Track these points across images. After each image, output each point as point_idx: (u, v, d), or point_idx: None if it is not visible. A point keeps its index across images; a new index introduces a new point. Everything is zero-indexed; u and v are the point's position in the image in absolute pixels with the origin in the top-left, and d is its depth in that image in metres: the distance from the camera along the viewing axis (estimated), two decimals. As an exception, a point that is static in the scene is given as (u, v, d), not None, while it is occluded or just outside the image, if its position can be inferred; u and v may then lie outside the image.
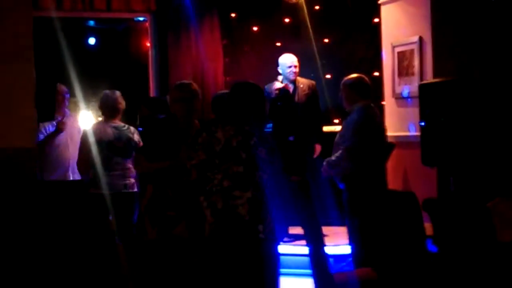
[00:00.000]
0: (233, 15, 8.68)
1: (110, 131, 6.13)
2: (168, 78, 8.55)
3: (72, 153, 6.54)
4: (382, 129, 6.14)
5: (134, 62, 9.97)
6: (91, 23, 10.20)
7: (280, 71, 7.42)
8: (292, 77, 7.33)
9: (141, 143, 5.99)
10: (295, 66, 7.34)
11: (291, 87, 7.31)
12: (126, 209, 6.12)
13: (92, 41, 10.39)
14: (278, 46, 8.62)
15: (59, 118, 6.63)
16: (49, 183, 6.11)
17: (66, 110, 6.81)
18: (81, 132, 6.60)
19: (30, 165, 5.93)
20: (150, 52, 8.76)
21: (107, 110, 6.24)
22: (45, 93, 6.30)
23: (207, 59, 8.46)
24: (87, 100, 8.63)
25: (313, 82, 7.50)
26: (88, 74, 8.99)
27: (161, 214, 5.04)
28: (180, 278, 4.59)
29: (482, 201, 3.99)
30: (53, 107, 6.37)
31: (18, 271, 5.09)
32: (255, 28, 8.70)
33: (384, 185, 6.03)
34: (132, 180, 6.17)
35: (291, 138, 7.17)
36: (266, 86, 7.25)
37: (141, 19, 9.01)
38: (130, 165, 6.12)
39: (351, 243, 6.10)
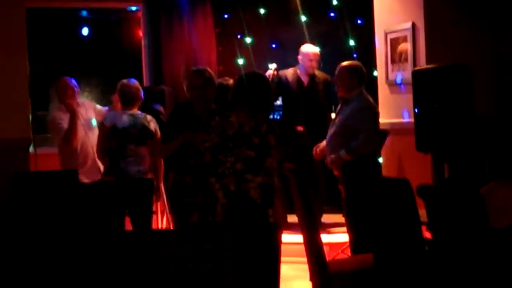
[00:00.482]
0: (226, 3, 8.65)
1: (125, 118, 6.13)
2: (161, 68, 8.55)
3: (93, 142, 6.54)
4: (378, 115, 6.20)
5: (127, 52, 9.95)
6: (84, 13, 10.17)
7: (300, 61, 7.52)
8: (310, 71, 7.42)
9: (158, 133, 6.02)
10: (317, 60, 7.51)
11: (269, 74, 7.36)
12: (141, 195, 6.13)
13: (85, 31, 10.36)
14: (270, 34, 8.61)
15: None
16: (42, 173, 6.09)
17: (79, 101, 6.78)
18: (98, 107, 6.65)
19: (23, 155, 5.94)
20: (143, 42, 8.75)
21: (128, 99, 6.22)
22: (38, 82, 6.31)
23: (200, 48, 8.46)
24: (81, 90, 8.61)
25: (327, 76, 7.55)
26: (81, 64, 8.99)
27: (180, 201, 5.12)
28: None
29: (476, 187, 4.00)
30: (47, 96, 6.36)
31: (12, 261, 5.08)
32: (248, 16, 8.68)
33: (379, 171, 6.05)
34: (146, 167, 6.17)
35: (300, 128, 7.28)
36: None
37: (134, 8, 9.00)
38: (145, 153, 6.13)
39: (348, 230, 6.11)
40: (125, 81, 6.28)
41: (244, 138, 4.33)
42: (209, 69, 5.46)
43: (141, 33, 8.85)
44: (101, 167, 6.38)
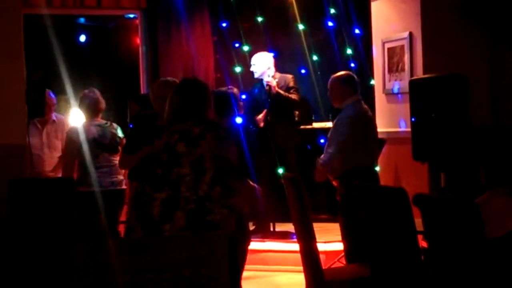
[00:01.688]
0: (223, 11, 8.66)
1: (93, 129, 6.19)
2: (159, 75, 8.54)
3: (48, 159, 6.57)
4: (374, 124, 6.15)
5: (125, 59, 9.95)
6: (82, 20, 10.17)
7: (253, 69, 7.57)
8: (272, 74, 7.45)
9: (124, 140, 6.03)
10: (269, 68, 7.49)
11: (271, 82, 7.36)
12: (113, 206, 6.15)
13: (82, 38, 10.36)
14: (268, 42, 8.61)
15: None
16: (39, 180, 6.09)
17: (53, 115, 6.78)
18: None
19: (20, 161, 5.92)
20: (140, 49, 8.75)
21: (89, 109, 6.30)
22: (35, 90, 6.29)
23: (197, 55, 8.46)
24: (78, 97, 8.60)
25: (290, 76, 7.54)
26: (79, 72, 8.98)
27: (142, 210, 5.08)
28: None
29: (472, 197, 3.99)
30: (43, 103, 6.35)
31: (7, 268, 5.07)
32: (245, 25, 8.69)
33: (377, 181, 6.03)
34: (120, 177, 6.21)
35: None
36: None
37: (131, 16, 9.00)
38: (117, 161, 6.12)
39: (343, 239, 6.11)
40: (86, 91, 6.37)
41: (157, 157, 4.31)
42: (176, 81, 5.41)
43: (138, 41, 8.85)
44: None
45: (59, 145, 6.68)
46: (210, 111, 4.42)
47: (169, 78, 5.57)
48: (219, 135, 4.23)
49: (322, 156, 6.02)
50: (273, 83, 7.33)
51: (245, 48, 8.45)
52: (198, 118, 4.28)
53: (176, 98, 4.37)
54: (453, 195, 5.63)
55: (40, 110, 6.31)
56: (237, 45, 8.60)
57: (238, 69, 8.32)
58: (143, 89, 8.68)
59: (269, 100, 7.40)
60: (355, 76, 6.15)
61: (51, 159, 6.66)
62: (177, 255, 3.16)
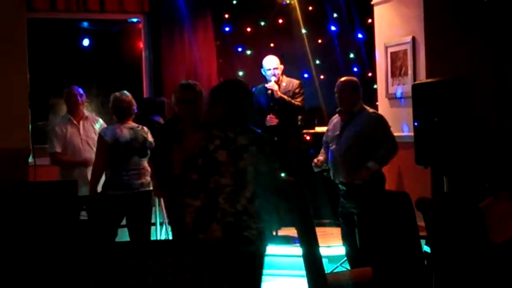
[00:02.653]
0: (226, 15, 8.69)
1: (126, 132, 6.13)
2: (162, 79, 8.56)
3: (89, 156, 6.59)
4: None
5: (128, 63, 9.95)
6: (85, 24, 10.18)
7: (263, 73, 7.51)
8: (274, 79, 7.38)
9: (154, 144, 6.03)
10: (275, 69, 7.40)
11: (272, 86, 7.34)
12: (143, 207, 6.14)
13: (86, 42, 10.37)
14: (271, 47, 8.63)
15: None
16: (42, 183, 6.09)
17: (84, 112, 6.85)
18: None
19: (24, 165, 5.92)
20: (143, 53, 8.76)
21: (121, 112, 6.21)
22: (38, 93, 6.31)
23: (200, 60, 8.47)
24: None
25: (296, 82, 7.52)
26: (82, 75, 8.99)
27: (172, 215, 5.12)
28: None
29: (475, 201, 3.99)
30: (47, 107, 6.37)
31: (10, 270, 5.07)
32: (248, 29, 8.71)
33: (383, 183, 6.02)
34: (148, 179, 6.15)
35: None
36: (254, 88, 7.35)
37: (134, 20, 9.01)
38: (146, 164, 6.13)
39: (344, 243, 6.11)
40: (118, 94, 6.27)
41: (191, 161, 4.11)
42: (198, 84, 5.41)
43: (141, 45, 8.86)
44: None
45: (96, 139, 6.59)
46: (252, 117, 4.30)
47: (190, 81, 5.55)
48: (264, 149, 4.05)
49: (377, 157, 5.92)
50: (275, 87, 7.33)
51: (248, 52, 8.46)
52: (244, 126, 4.11)
53: (222, 102, 4.13)
54: (456, 200, 5.63)
55: (44, 114, 6.33)
56: (240, 49, 8.62)
57: (241, 73, 8.32)
58: (146, 93, 8.68)
59: (271, 104, 7.40)
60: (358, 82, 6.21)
61: (89, 153, 6.66)
62: (180, 259, 3.16)
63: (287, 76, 7.58)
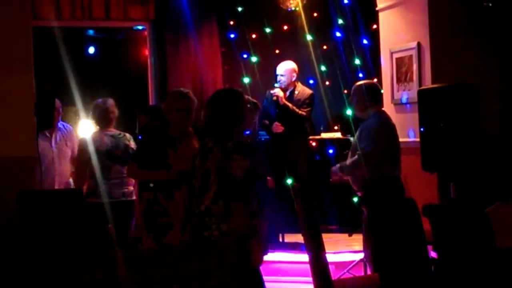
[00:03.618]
0: (231, 22, 8.70)
1: (107, 140, 6.13)
2: (167, 86, 8.57)
3: (59, 168, 6.51)
4: (396, 133, 6.12)
5: (133, 71, 9.98)
6: (90, 32, 10.22)
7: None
8: (279, 85, 7.41)
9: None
10: (282, 75, 7.42)
11: (277, 92, 7.35)
12: (124, 217, 6.14)
13: (91, 50, 10.40)
14: (276, 53, 8.63)
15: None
16: (48, 191, 6.09)
17: (59, 123, 6.71)
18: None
19: (29, 173, 5.93)
20: (149, 61, 8.77)
21: (101, 119, 6.24)
22: (44, 101, 6.30)
23: (206, 66, 8.48)
24: (87, 109, 8.63)
25: (309, 92, 7.51)
26: (87, 83, 9.00)
27: (154, 221, 5.07)
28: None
29: (482, 207, 3.98)
30: (52, 115, 6.35)
31: (16, 279, 5.07)
32: (253, 36, 8.71)
33: (402, 189, 6.00)
34: (131, 188, 6.18)
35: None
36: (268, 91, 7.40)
37: (140, 27, 9.03)
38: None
39: (367, 249, 6.11)
40: (99, 101, 6.30)
41: (193, 170, 4.31)
42: (190, 92, 5.33)
43: (147, 52, 8.87)
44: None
45: (69, 152, 6.62)
46: (242, 124, 4.33)
47: (182, 89, 5.51)
48: (225, 149, 4.12)
49: (344, 162, 6.00)
50: (280, 93, 7.34)
51: (254, 59, 8.47)
52: (223, 131, 4.20)
53: (207, 109, 4.30)
54: (462, 205, 5.61)
55: (49, 122, 6.32)
56: (245, 56, 8.62)
57: (246, 80, 8.33)
58: (151, 101, 8.69)
59: (277, 110, 7.41)
60: (378, 86, 6.18)
61: (60, 166, 6.62)
62: (186, 267, 3.16)
63: (303, 84, 7.59)
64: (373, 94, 6.04)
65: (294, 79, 7.47)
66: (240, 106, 4.33)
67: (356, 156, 5.87)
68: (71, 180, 6.61)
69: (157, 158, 5.07)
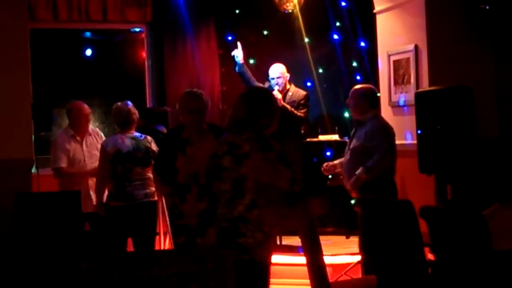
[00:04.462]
0: (229, 24, 8.69)
1: (128, 142, 6.10)
2: (165, 89, 8.57)
3: (92, 171, 6.52)
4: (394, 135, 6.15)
5: (131, 73, 9.96)
6: (88, 34, 10.21)
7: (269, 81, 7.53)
8: (276, 88, 7.38)
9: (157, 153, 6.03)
10: (278, 78, 7.39)
11: (276, 95, 7.35)
12: (147, 218, 6.13)
13: (88, 52, 10.39)
14: (274, 56, 8.63)
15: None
16: (45, 194, 6.09)
17: (89, 128, 6.76)
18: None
19: (27, 175, 5.93)
20: (146, 63, 8.77)
21: (122, 122, 6.21)
22: (41, 104, 6.31)
23: (203, 69, 8.48)
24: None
25: (303, 93, 7.51)
26: (84, 85, 9.01)
27: (173, 223, 5.11)
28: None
29: (479, 209, 3.98)
30: (50, 118, 6.35)
31: (13, 281, 5.07)
32: (251, 38, 8.71)
33: (395, 190, 6.01)
34: (153, 189, 6.14)
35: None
36: None
37: (137, 30, 9.03)
38: (150, 174, 6.10)
39: (361, 250, 6.10)
40: (119, 104, 6.27)
41: (207, 166, 4.14)
42: (203, 93, 5.36)
43: (144, 54, 8.88)
44: (94, 200, 6.35)
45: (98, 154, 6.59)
46: (273, 125, 4.18)
47: (195, 90, 5.50)
48: (268, 158, 3.99)
49: (366, 164, 5.90)
50: (279, 96, 7.34)
51: (251, 61, 8.47)
52: (255, 133, 4.06)
53: (239, 107, 4.13)
54: (460, 208, 5.62)
55: (47, 124, 6.31)
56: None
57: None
58: (149, 103, 8.69)
59: None
60: (375, 90, 6.21)
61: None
62: (185, 269, 3.15)
63: (296, 85, 7.58)
64: (371, 99, 6.06)
65: (287, 80, 7.48)
66: (275, 107, 4.23)
67: (377, 155, 5.85)
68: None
69: (169, 163, 5.09)
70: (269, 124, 4.14)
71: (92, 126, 7.08)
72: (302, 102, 7.41)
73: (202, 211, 4.07)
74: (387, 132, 5.99)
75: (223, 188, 4.00)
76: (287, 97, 7.41)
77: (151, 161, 6.10)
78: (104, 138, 6.83)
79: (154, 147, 6.16)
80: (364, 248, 5.97)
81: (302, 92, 7.50)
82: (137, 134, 6.23)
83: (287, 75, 7.47)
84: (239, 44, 7.49)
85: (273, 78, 7.43)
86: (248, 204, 3.97)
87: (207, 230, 4.02)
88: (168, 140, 5.43)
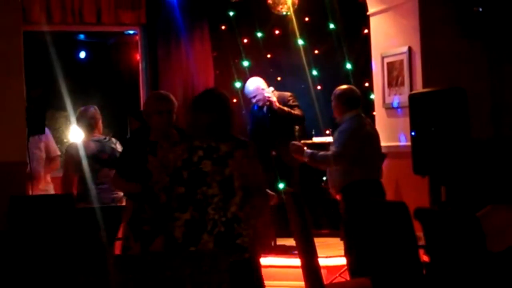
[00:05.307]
0: (223, 27, 8.70)
1: (92, 145, 6.19)
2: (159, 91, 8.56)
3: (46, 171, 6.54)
4: (374, 137, 6.14)
5: (125, 75, 9.97)
6: (81, 36, 10.20)
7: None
8: (260, 104, 7.41)
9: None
10: (254, 97, 7.41)
11: (271, 97, 7.36)
12: (112, 223, 6.11)
13: (82, 54, 10.39)
14: (268, 58, 8.64)
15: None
16: (39, 196, 6.08)
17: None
18: (54, 146, 6.67)
19: (20, 178, 5.92)
20: (140, 65, 8.76)
21: (85, 126, 6.33)
22: (35, 106, 6.30)
23: (197, 71, 8.47)
24: (77, 113, 8.62)
25: (287, 94, 7.52)
26: (78, 88, 9.00)
27: (139, 229, 5.00)
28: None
29: (473, 210, 3.99)
30: (43, 120, 6.35)
31: (7, 284, 5.05)
32: (245, 40, 8.72)
33: (383, 194, 6.02)
34: (121, 194, 6.15)
35: (273, 153, 7.25)
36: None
37: (131, 32, 9.03)
38: None
39: (346, 253, 6.10)
40: (82, 108, 6.40)
41: (176, 175, 4.08)
42: (170, 94, 5.18)
43: (138, 57, 8.86)
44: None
45: (40, 154, 6.60)
46: (234, 125, 4.26)
47: (161, 91, 5.46)
48: (248, 154, 4.06)
49: (316, 151, 6.06)
50: (273, 98, 7.34)
51: (245, 63, 8.48)
52: (224, 134, 4.11)
53: (201, 112, 4.15)
54: (454, 209, 5.63)
55: (40, 127, 6.31)
56: (236, 60, 8.63)
57: (238, 85, 8.34)
58: (143, 105, 8.68)
59: (269, 115, 7.40)
60: (357, 91, 6.19)
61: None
62: (179, 272, 3.15)
63: (278, 90, 7.58)
64: (350, 99, 6.08)
65: (265, 91, 7.42)
66: (231, 106, 4.30)
67: (330, 152, 5.92)
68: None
69: (138, 165, 4.90)
70: (232, 125, 4.20)
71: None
72: (290, 102, 7.42)
73: (189, 220, 4.02)
74: (353, 135, 5.94)
75: (210, 193, 4.01)
76: (273, 104, 7.38)
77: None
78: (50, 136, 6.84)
79: (119, 148, 6.18)
80: (349, 251, 5.99)
81: (286, 94, 7.51)
82: (101, 136, 6.32)
83: (264, 87, 7.44)
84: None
85: (251, 98, 7.43)
86: (239, 203, 4.00)
87: (202, 238, 3.99)
88: (135, 142, 5.18)
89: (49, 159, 6.66)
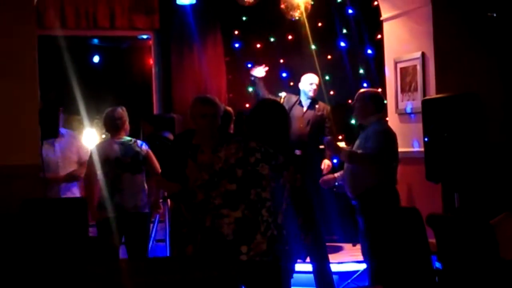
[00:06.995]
0: (236, 32, 8.71)
1: (116, 147, 6.09)
2: (171, 95, 8.58)
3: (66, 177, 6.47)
4: (397, 142, 6.14)
5: (138, 80, 9.99)
6: (95, 41, 10.25)
7: (300, 87, 7.64)
8: (311, 94, 7.57)
9: (151, 156, 6.01)
10: (317, 85, 7.60)
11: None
12: (136, 230, 6.08)
13: (96, 59, 10.43)
14: (280, 63, 8.64)
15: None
16: (52, 200, 6.09)
17: (61, 129, 6.58)
18: (85, 150, 6.58)
19: (34, 181, 5.93)
20: (153, 70, 8.79)
21: (110, 127, 6.23)
22: (49, 110, 6.31)
23: (210, 76, 8.49)
24: (91, 117, 8.65)
25: (328, 107, 7.67)
26: (92, 92, 9.03)
27: (177, 230, 5.05)
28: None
29: (487, 217, 3.97)
30: (57, 124, 6.35)
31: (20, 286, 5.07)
32: (258, 45, 8.73)
33: (398, 199, 6.00)
34: (144, 200, 6.12)
35: (297, 152, 7.23)
36: None
37: (144, 37, 9.06)
38: (141, 182, 6.10)
39: (365, 260, 6.08)
40: (108, 109, 6.30)
41: (228, 171, 4.10)
42: (215, 97, 5.31)
43: (151, 61, 8.90)
44: None
45: (74, 157, 6.53)
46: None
47: (207, 95, 5.47)
48: (299, 169, 4.15)
49: (358, 151, 5.98)
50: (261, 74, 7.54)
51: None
52: (282, 145, 4.18)
53: (271, 119, 4.21)
54: (467, 216, 5.60)
55: (54, 131, 6.32)
56: (249, 65, 8.63)
57: (250, 89, 8.34)
58: (156, 110, 8.70)
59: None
60: (381, 95, 6.22)
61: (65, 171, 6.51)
62: (190, 276, 3.15)
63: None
64: (377, 102, 6.08)
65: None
66: (289, 119, 4.38)
67: (368, 151, 5.87)
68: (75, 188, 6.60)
69: (179, 167, 5.00)
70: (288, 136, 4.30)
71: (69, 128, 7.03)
72: (330, 116, 7.61)
73: (240, 218, 4.03)
74: (387, 136, 5.98)
75: (263, 196, 4.05)
76: (315, 109, 7.50)
77: (141, 166, 6.07)
78: (80, 140, 6.80)
79: (144, 150, 6.12)
80: (370, 255, 5.95)
81: (328, 107, 7.69)
82: (126, 139, 6.20)
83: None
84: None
85: (311, 84, 7.57)
86: (284, 212, 4.06)
87: (255, 238, 4.01)
88: (177, 145, 5.31)
89: (80, 163, 6.56)
